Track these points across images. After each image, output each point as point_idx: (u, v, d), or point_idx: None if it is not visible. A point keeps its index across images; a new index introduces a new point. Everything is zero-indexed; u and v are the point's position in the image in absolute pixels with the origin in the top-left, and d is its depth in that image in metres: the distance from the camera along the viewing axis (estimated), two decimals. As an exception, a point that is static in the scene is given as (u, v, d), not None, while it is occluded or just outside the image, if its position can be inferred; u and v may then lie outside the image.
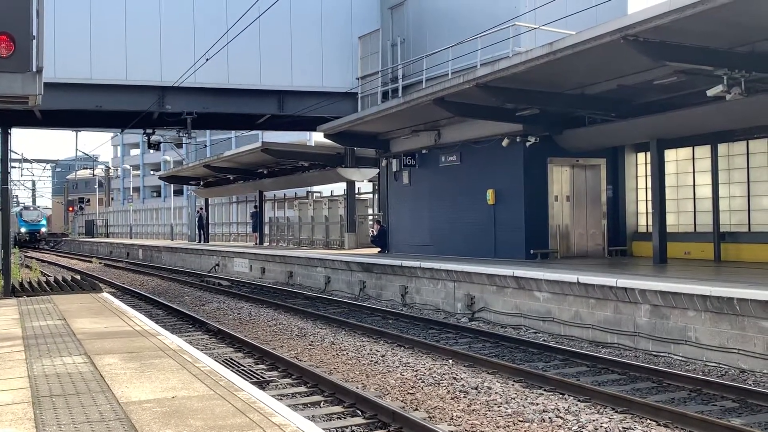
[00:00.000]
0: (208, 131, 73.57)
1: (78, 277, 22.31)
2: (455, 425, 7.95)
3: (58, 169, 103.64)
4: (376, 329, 14.31)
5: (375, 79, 24.23)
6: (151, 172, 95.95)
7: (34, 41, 8.70)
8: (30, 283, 18.78)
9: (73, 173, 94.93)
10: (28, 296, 15.32)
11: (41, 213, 71.93)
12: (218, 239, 46.43)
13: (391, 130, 22.92)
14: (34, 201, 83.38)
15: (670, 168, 18.10)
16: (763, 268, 14.52)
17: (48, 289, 16.78)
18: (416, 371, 10.67)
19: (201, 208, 43.43)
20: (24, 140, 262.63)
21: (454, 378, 10.16)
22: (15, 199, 77.84)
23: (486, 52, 19.22)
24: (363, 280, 20.72)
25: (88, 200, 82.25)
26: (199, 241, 41.94)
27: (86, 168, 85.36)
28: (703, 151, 17.73)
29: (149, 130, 27.05)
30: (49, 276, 23.85)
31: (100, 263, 41.04)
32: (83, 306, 13.16)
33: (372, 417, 8.19)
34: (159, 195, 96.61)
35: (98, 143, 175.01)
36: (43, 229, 70.58)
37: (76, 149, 74.00)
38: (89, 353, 8.28)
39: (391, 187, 24.47)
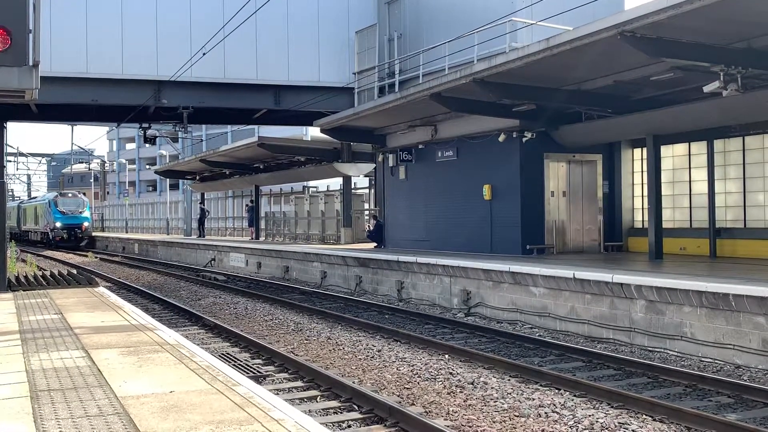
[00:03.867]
0: (204, 126, 73.50)
1: (74, 271, 22.28)
2: (452, 420, 7.97)
3: (53, 163, 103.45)
4: (372, 324, 14.33)
5: (372, 74, 24.24)
6: (147, 167, 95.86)
7: (31, 35, 8.69)
8: (26, 277, 18.74)
9: (69, 167, 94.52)
10: (24, 290, 15.28)
11: (83, 201, 53.56)
12: (214, 234, 46.44)
13: (387, 125, 22.92)
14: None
15: (666, 164, 18.16)
16: (759, 264, 14.57)
17: (44, 283, 16.74)
18: (413, 366, 10.69)
19: (202, 203, 43.64)
20: (19, 134, 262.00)
21: (451, 373, 10.18)
22: (11, 194, 77.54)
23: (483, 47, 19.26)
24: (359, 275, 20.74)
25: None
26: (200, 236, 41.93)
27: (82, 162, 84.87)
28: (700, 147, 17.76)
29: (145, 125, 27.09)
30: (45, 270, 23.80)
31: (96, 257, 40.97)
32: (80, 300, 13.16)
33: (368, 412, 8.21)
34: (155, 189, 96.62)
35: (94, 137, 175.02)
36: (86, 224, 52.32)
37: (72, 143, 73.76)
38: (86, 347, 8.28)
39: (388, 182, 24.48)
